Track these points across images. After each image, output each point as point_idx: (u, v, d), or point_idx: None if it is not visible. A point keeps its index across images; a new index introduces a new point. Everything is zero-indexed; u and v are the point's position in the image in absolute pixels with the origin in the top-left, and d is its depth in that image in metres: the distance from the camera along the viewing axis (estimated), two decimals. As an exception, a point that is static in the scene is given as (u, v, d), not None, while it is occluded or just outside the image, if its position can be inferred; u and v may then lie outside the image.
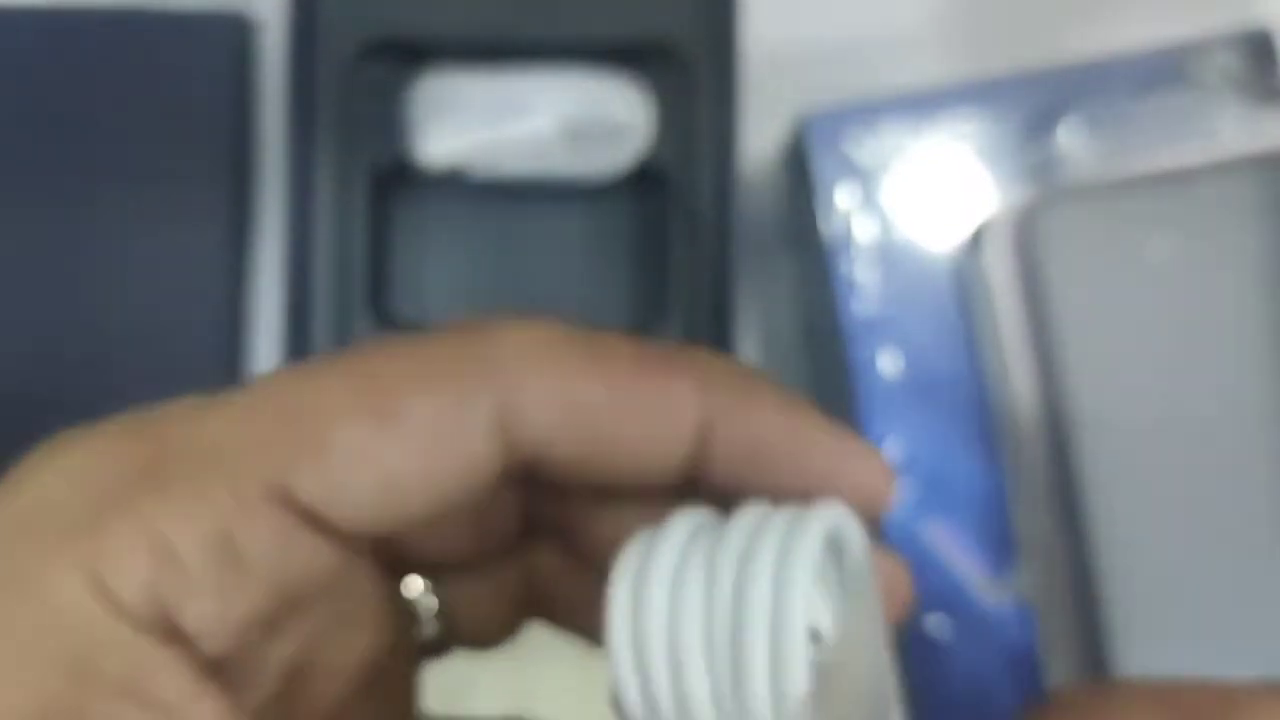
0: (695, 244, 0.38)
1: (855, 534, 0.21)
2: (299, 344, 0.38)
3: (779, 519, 0.21)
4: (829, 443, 0.23)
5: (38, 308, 0.39)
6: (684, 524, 0.21)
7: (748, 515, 0.21)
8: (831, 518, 0.21)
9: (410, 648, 0.25)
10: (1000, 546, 0.36)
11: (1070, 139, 0.36)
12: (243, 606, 0.21)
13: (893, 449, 0.36)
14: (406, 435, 0.21)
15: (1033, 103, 0.37)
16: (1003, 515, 0.36)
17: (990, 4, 0.42)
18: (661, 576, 0.20)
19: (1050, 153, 0.37)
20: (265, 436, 0.21)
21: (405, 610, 0.25)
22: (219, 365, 0.40)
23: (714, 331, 0.38)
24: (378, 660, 0.24)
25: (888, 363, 0.36)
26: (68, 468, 0.21)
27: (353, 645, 0.24)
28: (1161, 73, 0.36)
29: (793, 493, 0.22)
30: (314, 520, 0.21)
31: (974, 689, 0.35)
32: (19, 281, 0.39)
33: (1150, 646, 0.34)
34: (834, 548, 0.21)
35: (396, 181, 0.39)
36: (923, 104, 0.37)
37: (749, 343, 0.41)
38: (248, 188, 0.41)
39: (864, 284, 0.37)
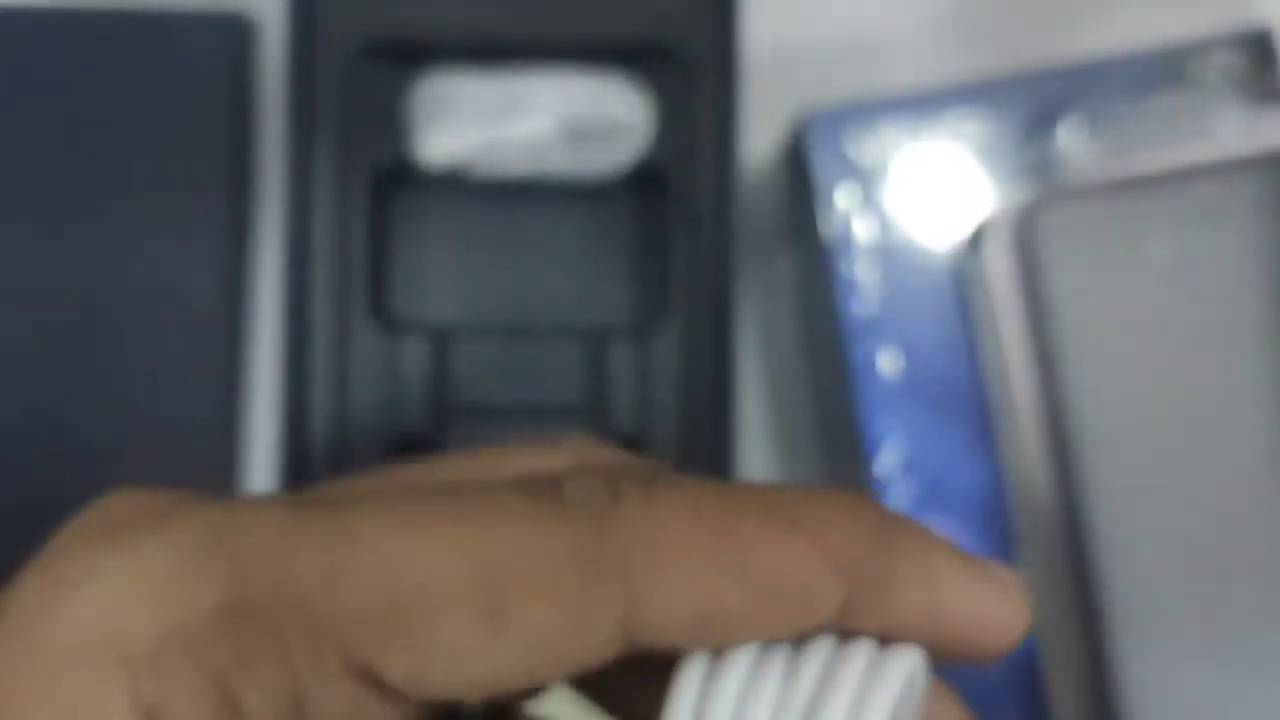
0: (695, 244, 0.38)
1: (923, 680, 0.21)
2: (299, 344, 0.38)
3: (857, 659, 0.20)
4: (967, 586, 0.21)
5: (36, 308, 0.39)
6: (747, 653, 0.20)
7: (820, 650, 0.20)
8: (910, 663, 0.20)
9: None
10: (1000, 546, 0.36)
11: (1070, 139, 0.36)
12: None
13: (893, 449, 0.36)
14: (518, 642, 0.19)
15: (1033, 103, 0.37)
16: (1003, 515, 0.36)
17: (990, 4, 0.42)
18: (724, 709, 0.19)
19: (1050, 153, 0.37)
20: (361, 609, 0.19)
21: None
22: (218, 365, 0.40)
23: (714, 331, 0.38)
24: None
25: (888, 363, 0.36)
26: (130, 570, 0.19)
27: None
28: (1161, 73, 0.36)
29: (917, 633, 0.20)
30: (393, 694, 0.20)
31: (972, 690, 0.35)
32: (18, 282, 0.39)
33: (1150, 648, 0.34)
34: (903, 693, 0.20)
35: (396, 181, 0.39)
36: (923, 104, 0.37)
37: (749, 343, 0.41)
38: (247, 188, 0.41)
39: (864, 284, 0.37)
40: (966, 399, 0.36)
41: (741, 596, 0.19)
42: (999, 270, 0.36)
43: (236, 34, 0.40)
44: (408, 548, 0.19)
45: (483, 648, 0.19)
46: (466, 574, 0.19)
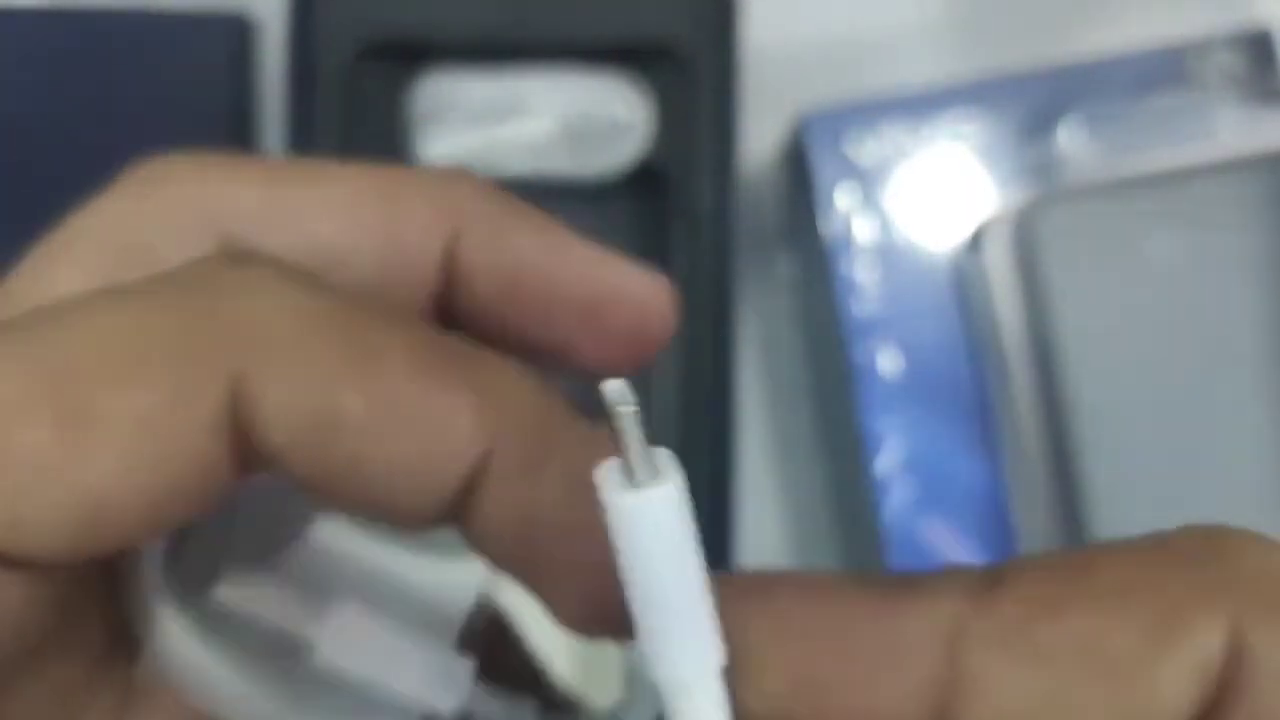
0: (695, 244, 0.38)
1: None
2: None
3: None
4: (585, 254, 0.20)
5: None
6: None
7: None
8: None
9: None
10: (1000, 546, 0.36)
11: (1070, 139, 0.36)
12: None
13: (893, 449, 0.36)
14: (107, 444, 0.16)
15: (1033, 103, 0.37)
16: (1003, 515, 0.36)
17: (990, 4, 0.42)
18: None
19: (1050, 153, 0.37)
20: None
21: None
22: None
23: (714, 332, 0.38)
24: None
25: (888, 363, 0.36)
26: None
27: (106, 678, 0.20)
28: (1161, 73, 0.36)
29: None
30: None
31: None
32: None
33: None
34: None
35: (396, 181, 0.39)
36: (923, 104, 0.37)
37: (749, 343, 0.41)
38: (248, 188, 0.41)
39: (864, 284, 0.37)
40: (966, 399, 0.36)
41: (366, 404, 0.17)
42: (999, 270, 0.36)
43: (236, 34, 0.40)
44: None
45: (68, 458, 0.16)
46: (36, 374, 0.17)
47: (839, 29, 0.42)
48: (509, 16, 0.38)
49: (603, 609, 0.17)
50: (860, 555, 0.39)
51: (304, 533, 0.21)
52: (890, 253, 0.36)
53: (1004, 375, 0.36)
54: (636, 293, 0.21)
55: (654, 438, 0.17)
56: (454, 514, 0.18)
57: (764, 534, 0.41)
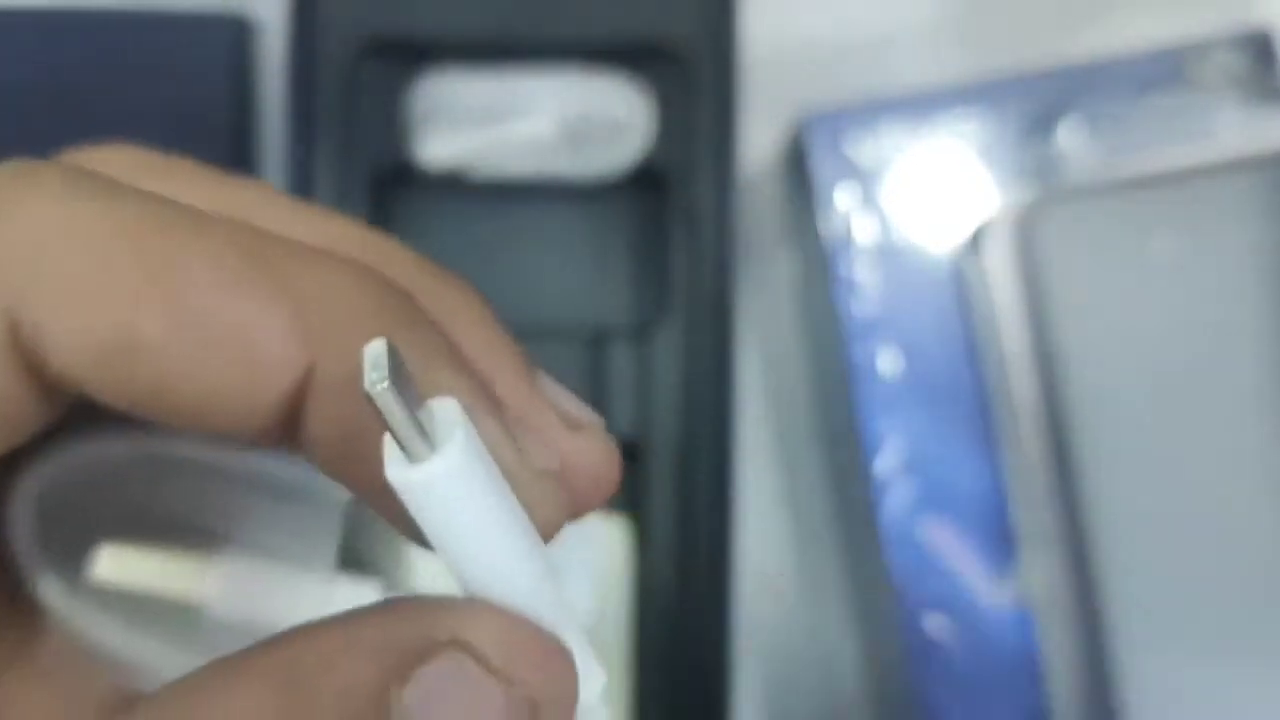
0: (695, 244, 0.38)
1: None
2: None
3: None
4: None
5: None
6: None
7: None
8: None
9: None
10: (1000, 546, 0.36)
11: (1070, 139, 0.36)
12: None
13: (893, 449, 0.36)
14: None
15: (1033, 103, 0.37)
16: (1003, 515, 0.36)
17: (990, 4, 0.42)
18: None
19: (1050, 153, 0.37)
20: None
21: None
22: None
23: (714, 331, 0.38)
24: None
25: (888, 363, 0.36)
26: None
27: None
28: (1161, 73, 0.36)
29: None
30: None
31: (974, 689, 0.35)
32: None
33: (1150, 646, 0.34)
34: None
35: (396, 181, 0.39)
36: (923, 104, 0.37)
37: (749, 343, 0.41)
38: (248, 188, 0.41)
39: (864, 284, 0.36)
40: (966, 399, 0.36)
41: (164, 323, 0.15)
42: (999, 270, 0.36)
43: (236, 34, 0.40)
44: None
45: None
46: None
47: (839, 29, 0.42)
48: (509, 16, 0.38)
49: None
50: (860, 555, 0.39)
51: (173, 489, 0.20)
52: (890, 253, 0.36)
53: (1004, 375, 0.36)
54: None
55: (436, 389, 0.15)
56: (284, 431, 0.16)
57: (764, 534, 0.41)
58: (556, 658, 0.16)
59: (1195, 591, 0.34)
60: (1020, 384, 0.35)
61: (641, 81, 0.39)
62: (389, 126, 0.38)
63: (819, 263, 0.37)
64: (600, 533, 0.37)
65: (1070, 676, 0.35)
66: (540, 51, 0.38)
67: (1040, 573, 0.35)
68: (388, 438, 0.15)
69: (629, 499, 0.38)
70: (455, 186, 0.39)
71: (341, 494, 0.20)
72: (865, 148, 0.37)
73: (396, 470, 0.15)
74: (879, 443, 0.36)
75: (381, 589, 0.20)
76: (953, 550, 0.36)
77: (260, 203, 0.19)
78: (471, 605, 0.16)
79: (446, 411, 0.15)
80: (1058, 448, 0.35)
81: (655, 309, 0.39)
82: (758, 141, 0.40)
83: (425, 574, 0.20)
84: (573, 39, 0.38)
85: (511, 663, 0.15)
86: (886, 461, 0.36)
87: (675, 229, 0.38)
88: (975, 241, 0.36)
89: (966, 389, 0.36)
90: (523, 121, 0.38)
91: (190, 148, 0.40)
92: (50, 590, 0.20)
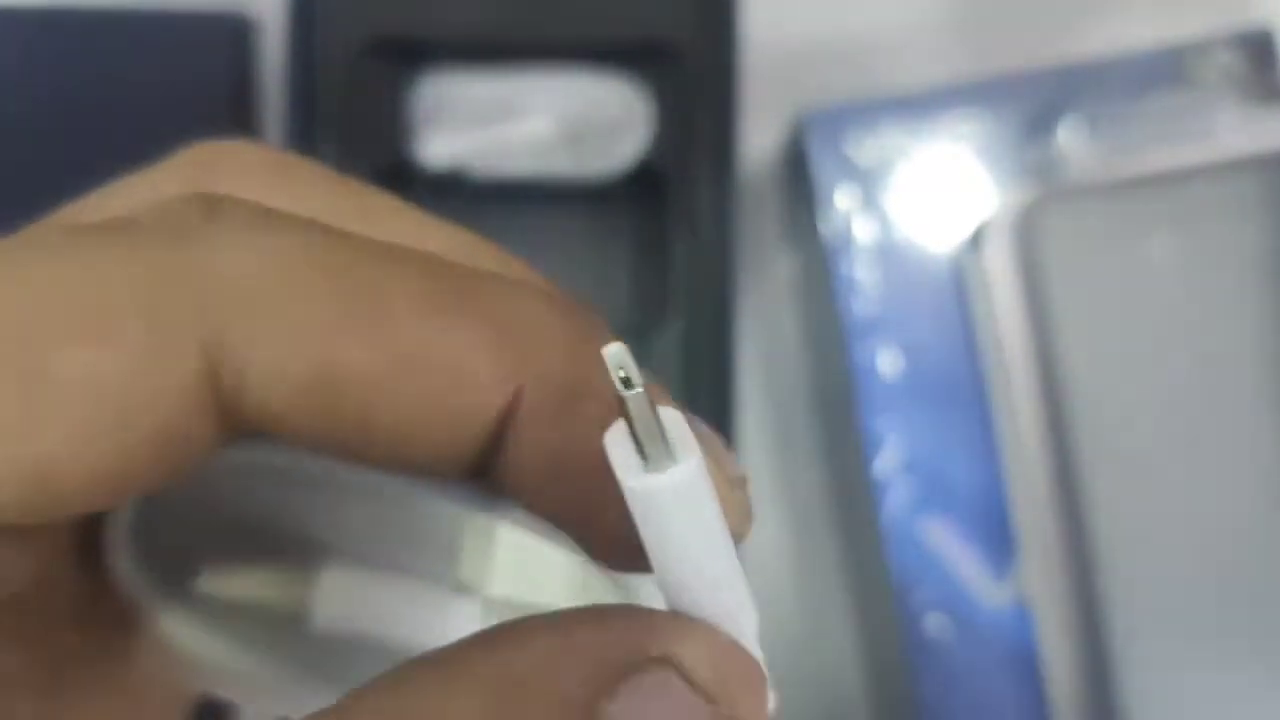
0: (695, 244, 0.38)
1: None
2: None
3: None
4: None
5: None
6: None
7: None
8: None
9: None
10: (1000, 546, 0.36)
11: (1070, 139, 0.36)
12: None
13: (893, 449, 0.36)
14: (60, 410, 0.15)
15: (1033, 103, 0.37)
16: (1003, 515, 0.36)
17: (990, 4, 0.42)
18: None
19: (1050, 153, 0.37)
20: None
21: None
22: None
23: (714, 331, 0.38)
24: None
25: (888, 362, 0.36)
26: None
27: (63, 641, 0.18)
28: (1161, 73, 0.36)
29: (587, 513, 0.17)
30: None
31: (974, 689, 0.35)
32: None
33: (1149, 646, 0.34)
34: None
35: (396, 181, 0.39)
36: (923, 104, 0.37)
37: (749, 343, 0.41)
38: (248, 188, 0.41)
39: (864, 284, 0.36)
40: (966, 399, 0.36)
41: (370, 353, 0.15)
42: (999, 270, 0.36)
43: (236, 34, 0.40)
44: None
45: (20, 423, 0.15)
46: None
47: (839, 29, 0.42)
48: (509, 16, 0.38)
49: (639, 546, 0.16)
50: (860, 555, 0.39)
51: (274, 498, 0.20)
52: (890, 253, 0.36)
53: (1004, 375, 0.36)
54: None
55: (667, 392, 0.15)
56: (485, 465, 0.16)
57: (764, 534, 0.41)
58: (759, 680, 0.16)
59: (1195, 591, 0.34)
60: (1020, 384, 0.35)
61: (641, 81, 0.39)
62: (389, 126, 0.38)
63: (819, 263, 0.37)
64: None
65: (1070, 676, 0.35)
66: (540, 51, 0.38)
67: (1040, 573, 0.35)
68: (616, 448, 0.14)
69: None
70: (455, 186, 0.39)
71: (450, 504, 0.19)
72: (865, 147, 0.37)
73: (635, 478, 0.14)
74: (879, 443, 0.36)
75: (480, 602, 0.20)
76: (953, 550, 0.36)
77: (383, 210, 0.19)
78: (681, 621, 0.15)
79: (674, 421, 0.15)
80: (1058, 448, 0.35)
81: (655, 309, 0.39)
82: (758, 141, 0.40)
83: (516, 590, 0.20)
84: (572, 39, 0.38)
85: (720, 683, 0.15)
86: (886, 461, 0.36)
87: (675, 229, 0.38)
88: (975, 241, 0.36)
89: (966, 389, 0.36)
90: (523, 121, 0.38)
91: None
92: (149, 600, 0.20)
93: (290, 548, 0.20)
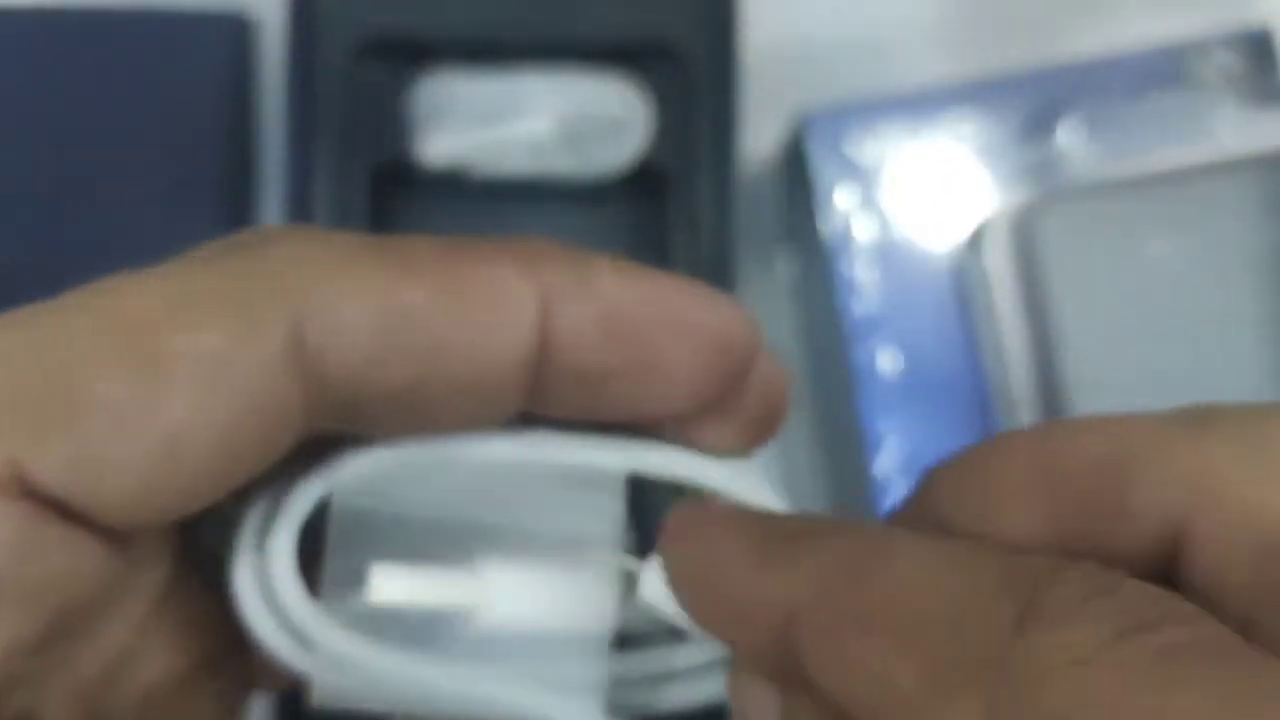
0: (695, 244, 0.38)
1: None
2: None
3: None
4: (680, 296, 0.21)
5: (38, 308, 0.39)
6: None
7: None
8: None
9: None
10: (1000, 546, 0.36)
11: (1070, 139, 0.36)
12: None
13: (893, 449, 0.36)
14: (179, 383, 0.17)
15: (1033, 103, 0.37)
16: (1002, 515, 0.36)
17: (990, 4, 0.42)
18: None
19: (1050, 153, 0.37)
20: None
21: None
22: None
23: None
24: (208, 650, 0.21)
25: (888, 362, 0.36)
26: None
27: (171, 647, 0.20)
28: (1161, 73, 0.36)
29: (648, 357, 0.20)
30: (71, 513, 0.17)
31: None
32: (17, 282, 0.39)
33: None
34: None
35: (396, 181, 0.39)
36: (922, 104, 0.37)
37: (749, 343, 0.41)
38: (248, 188, 0.41)
39: (864, 284, 0.37)
40: (966, 398, 0.36)
41: (425, 292, 0.18)
42: (998, 270, 0.36)
43: (236, 34, 0.40)
44: (36, 333, 0.18)
45: (144, 402, 0.17)
46: (105, 326, 0.17)
47: (839, 29, 0.42)
48: (509, 16, 0.38)
49: (715, 369, 0.21)
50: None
51: (407, 511, 0.21)
52: (890, 253, 0.36)
53: (1004, 374, 0.36)
54: (721, 323, 0.21)
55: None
56: (541, 365, 0.19)
57: (764, 534, 0.41)
58: None
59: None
60: (1020, 383, 0.35)
61: (641, 81, 0.39)
62: (389, 126, 0.38)
63: (819, 263, 0.37)
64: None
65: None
66: (540, 51, 0.38)
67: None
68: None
69: (631, 498, 0.38)
70: (455, 186, 0.39)
71: (618, 474, 0.21)
72: (865, 147, 0.37)
73: None
74: (879, 443, 0.36)
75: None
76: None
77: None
78: None
79: None
80: (1057, 447, 0.35)
81: (655, 309, 0.39)
82: (758, 141, 0.40)
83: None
84: (572, 39, 0.38)
85: None
86: (886, 461, 0.36)
87: (675, 229, 0.38)
88: (975, 241, 0.36)
89: (966, 388, 0.36)
90: (522, 121, 0.38)
91: (190, 148, 0.40)
92: (328, 634, 0.20)
93: (453, 534, 0.21)
